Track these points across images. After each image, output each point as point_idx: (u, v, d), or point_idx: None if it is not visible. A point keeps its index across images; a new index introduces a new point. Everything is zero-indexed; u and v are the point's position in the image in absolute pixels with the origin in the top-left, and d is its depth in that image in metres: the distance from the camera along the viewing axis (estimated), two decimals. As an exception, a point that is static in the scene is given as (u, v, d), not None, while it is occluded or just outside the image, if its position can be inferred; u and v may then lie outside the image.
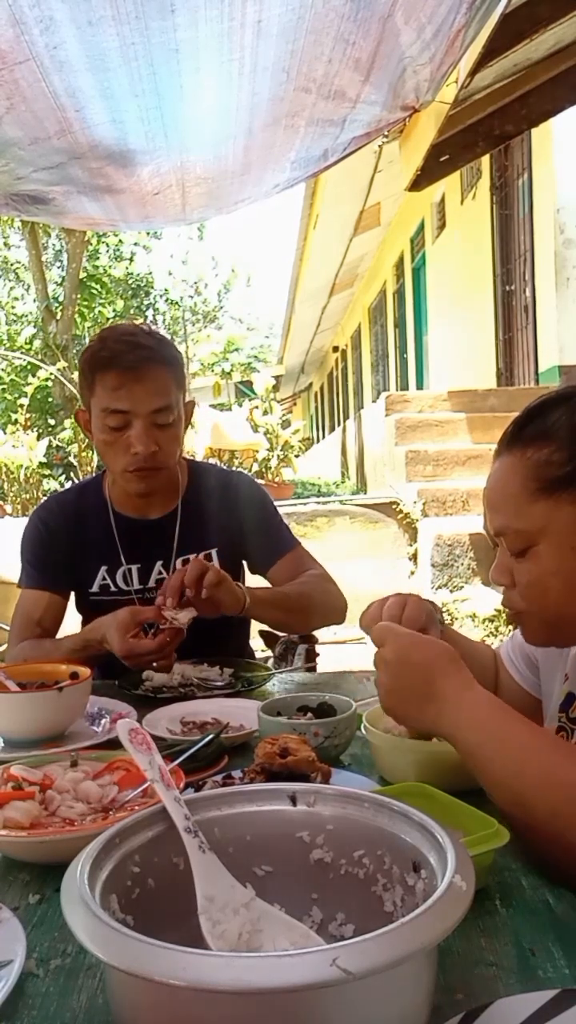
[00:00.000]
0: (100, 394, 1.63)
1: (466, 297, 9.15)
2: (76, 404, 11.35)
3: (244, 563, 1.87)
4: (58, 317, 14.33)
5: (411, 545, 6.03)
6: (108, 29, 1.74)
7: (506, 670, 1.30)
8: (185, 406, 1.73)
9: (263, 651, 2.23)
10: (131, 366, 1.60)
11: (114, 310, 19.48)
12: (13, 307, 19.19)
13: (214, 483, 1.86)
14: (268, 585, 1.84)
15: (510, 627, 4.64)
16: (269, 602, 1.68)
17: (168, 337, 1.78)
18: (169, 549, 1.77)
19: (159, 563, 1.76)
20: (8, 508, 7.68)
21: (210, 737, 1.10)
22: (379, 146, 6.57)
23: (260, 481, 4.18)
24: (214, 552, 1.78)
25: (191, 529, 1.78)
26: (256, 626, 2.07)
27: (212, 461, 7.62)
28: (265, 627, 2.26)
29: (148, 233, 18.70)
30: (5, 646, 2.38)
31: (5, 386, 15.22)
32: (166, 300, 22.78)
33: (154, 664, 1.53)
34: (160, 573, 1.76)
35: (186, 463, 1.88)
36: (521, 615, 1.04)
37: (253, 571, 1.88)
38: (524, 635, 1.11)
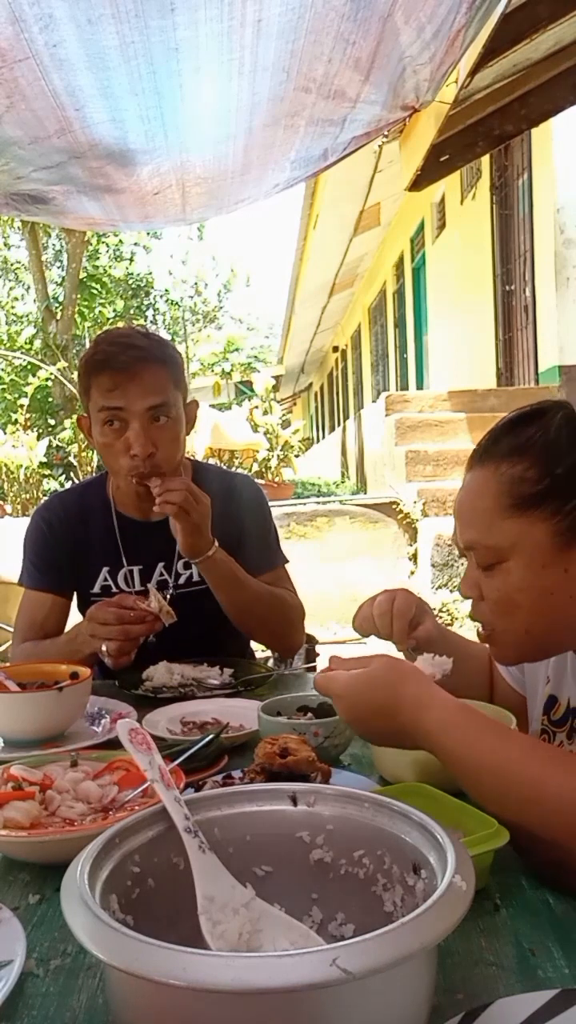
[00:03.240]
0: (96, 396, 1.63)
1: (466, 297, 9.15)
2: (76, 404, 11.38)
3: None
4: (58, 317, 14.34)
5: (411, 545, 6.03)
6: (108, 27, 1.74)
7: (498, 671, 1.30)
8: (186, 407, 1.72)
9: (263, 651, 2.23)
10: (124, 366, 1.59)
11: (114, 310, 19.48)
12: (13, 307, 19.20)
13: (217, 484, 1.85)
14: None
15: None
16: (231, 575, 1.65)
17: (166, 338, 1.78)
18: (171, 551, 1.76)
19: (161, 564, 1.76)
20: (8, 508, 7.67)
21: (210, 737, 1.10)
22: (379, 146, 6.57)
23: (260, 481, 4.19)
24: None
25: None
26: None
27: (212, 461, 7.62)
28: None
29: (148, 233, 18.71)
30: (5, 645, 2.38)
31: (5, 386, 15.23)
32: (166, 300, 22.79)
33: (105, 648, 1.48)
34: (162, 574, 1.76)
35: (189, 463, 1.87)
36: (492, 634, 1.02)
37: None
38: (495, 654, 1.09)
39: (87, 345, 1.70)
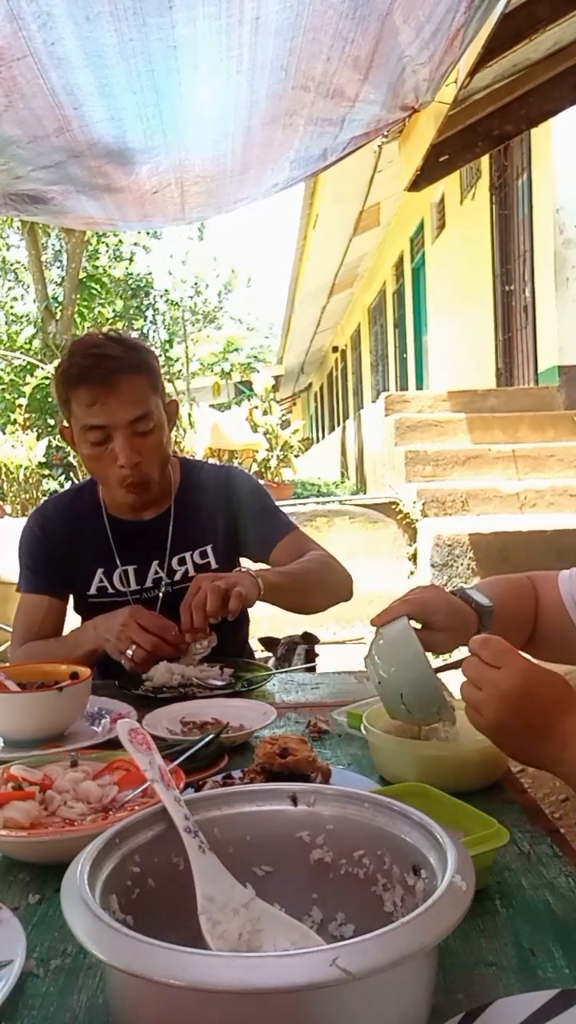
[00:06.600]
0: (76, 412, 1.62)
1: (466, 297, 9.15)
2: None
3: (240, 558, 1.86)
4: (58, 317, 14.32)
5: (411, 545, 6.02)
6: (106, 25, 1.74)
7: (565, 610, 1.21)
8: (167, 407, 1.71)
9: (262, 651, 2.23)
10: (101, 380, 1.58)
11: (114, 310, 19.48)
12: (13, 307, 19.18)
13: (207, 480, 1.86)
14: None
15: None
16: (280, 585, 1.62)
17: (139, 341, 1.75)
18: (164, 549, 1.76)
19: (155, 563, 1.76)
20: (8, 508, 7.67)
21: (210, 737, 1.09)
22: (379, 146, 6.57)
23: (259, 481, 4.17)
24: (209, 548, 1.78)
25: (185, 528, 1.78)
26: (256, 630, 2.07)
27: (212, 461, 7.59)
28: (265, 633, 2.27)
29: (148, 233, 18.71)
30: (5, 645, 2.37)
31: (4, 386, 15.22)
32: (166, 300, 22.78)
33: (130, 652, 1.48)
34: (156, 573, 1.76)
35: (178, 462, 1.87)
36: None
37: (254, 559, 1.86)
38: None
39: (59, 360, 1.68)
